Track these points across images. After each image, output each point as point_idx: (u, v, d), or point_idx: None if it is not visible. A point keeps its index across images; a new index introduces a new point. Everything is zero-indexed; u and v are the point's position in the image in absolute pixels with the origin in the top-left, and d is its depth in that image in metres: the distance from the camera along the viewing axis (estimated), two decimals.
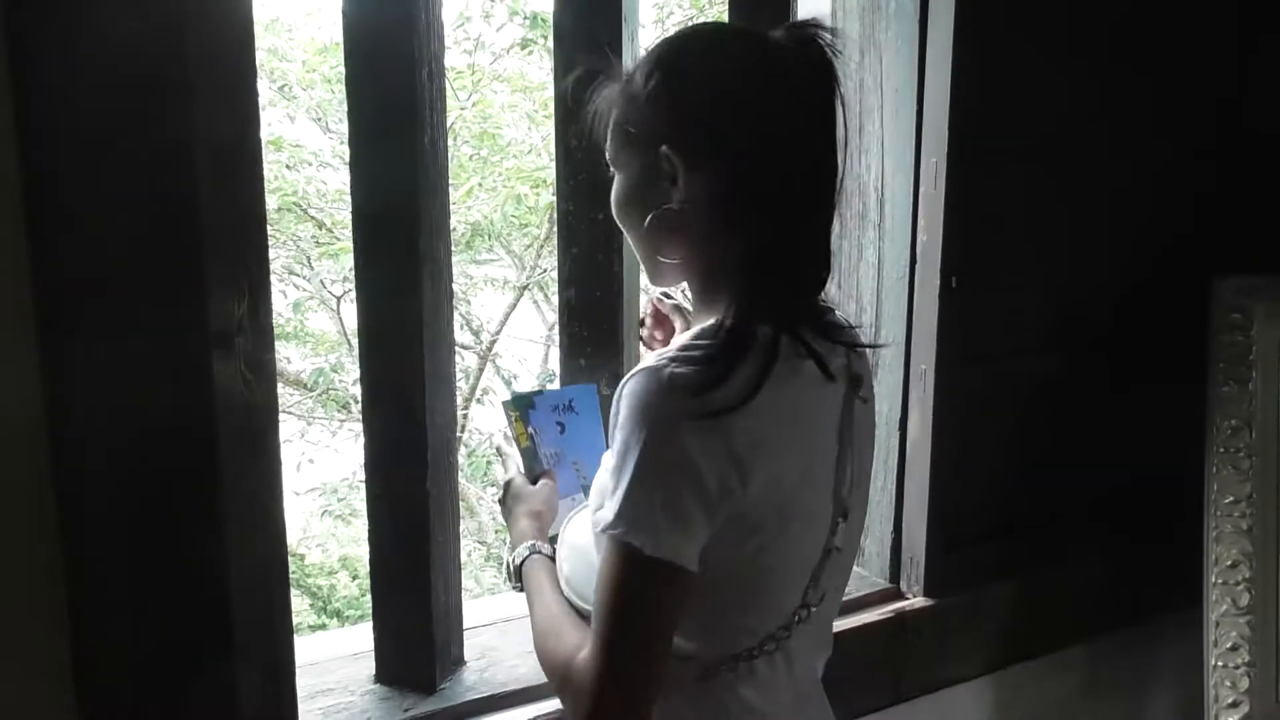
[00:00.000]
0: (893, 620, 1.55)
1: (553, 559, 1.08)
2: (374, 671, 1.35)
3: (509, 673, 1.36)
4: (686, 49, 0.95)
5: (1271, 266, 1.55)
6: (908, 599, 1.60)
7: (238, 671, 1.08)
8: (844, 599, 1.57)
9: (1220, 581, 1.46)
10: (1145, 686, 1.18)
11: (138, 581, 1.02)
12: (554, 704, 1.31)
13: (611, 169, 0.99)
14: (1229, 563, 1.46)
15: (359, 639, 1.41)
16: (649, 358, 0.88)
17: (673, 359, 0.86)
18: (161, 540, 1.02)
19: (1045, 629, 1.69)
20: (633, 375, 0.86)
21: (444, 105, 1.26)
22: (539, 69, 4.99)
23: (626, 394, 0.86)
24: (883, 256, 1.57)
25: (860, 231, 1.60)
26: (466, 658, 1.39)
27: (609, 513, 0.85)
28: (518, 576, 1.09)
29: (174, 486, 1.02)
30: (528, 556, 1.09)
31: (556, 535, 1.12)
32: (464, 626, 1.40)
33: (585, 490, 1.18)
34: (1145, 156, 1.68)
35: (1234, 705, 1.43)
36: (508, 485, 1.21)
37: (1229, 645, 1.44)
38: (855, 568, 1.67)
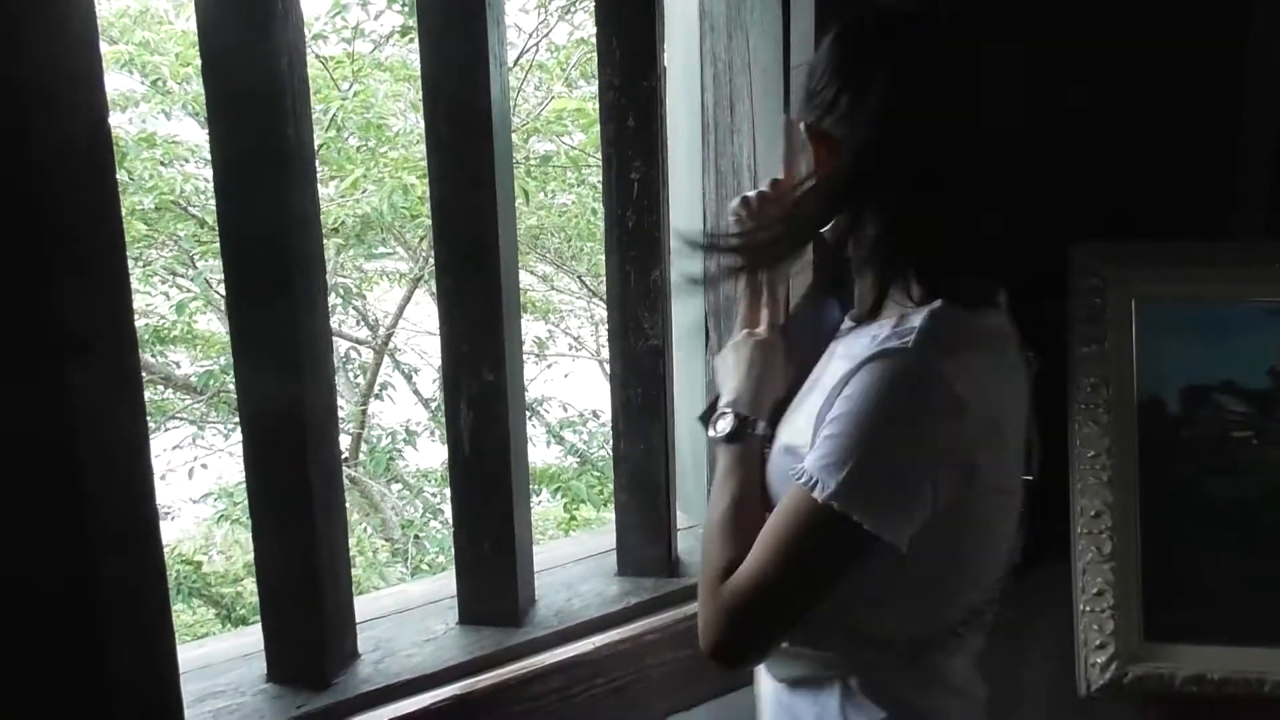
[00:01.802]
0: None
1: (765, 442, 1.03)
2: (265, 671, 1.33)
3: (404, 663, 1.36)
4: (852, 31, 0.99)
5: (1123, 232, 1.63)
6: None
7: (114, 685, 1.06)
8: None
9: (1085, 531, 1.54)
10: (1022, 635, 1.25)
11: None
12: (449, 691, 1.32)
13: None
14: (1093, 513, 1.53)
15: (250, 641, 1.39)
16: (907, 335, 0.89)
17: (923, 344, 0.88)
18: (26, 557, 0.99)
19: None
20: (886, 353, 0.88)
21: (308, 96, 1.25)
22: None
23: (882, 372, 0.87)
24: None
25: None
26: (360, 651, 1.38)
27: (830, 479, 0.86)
28: (729, 439, 1.02)
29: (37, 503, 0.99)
30: (739, 428, 1.02)
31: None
32: (357, 620, 1.39)
33: None
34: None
35: (1101, 647, 1.51)
36: (758, 337, 1.11)
37: (1095, 591, 1.52)
38: None
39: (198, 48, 1.19)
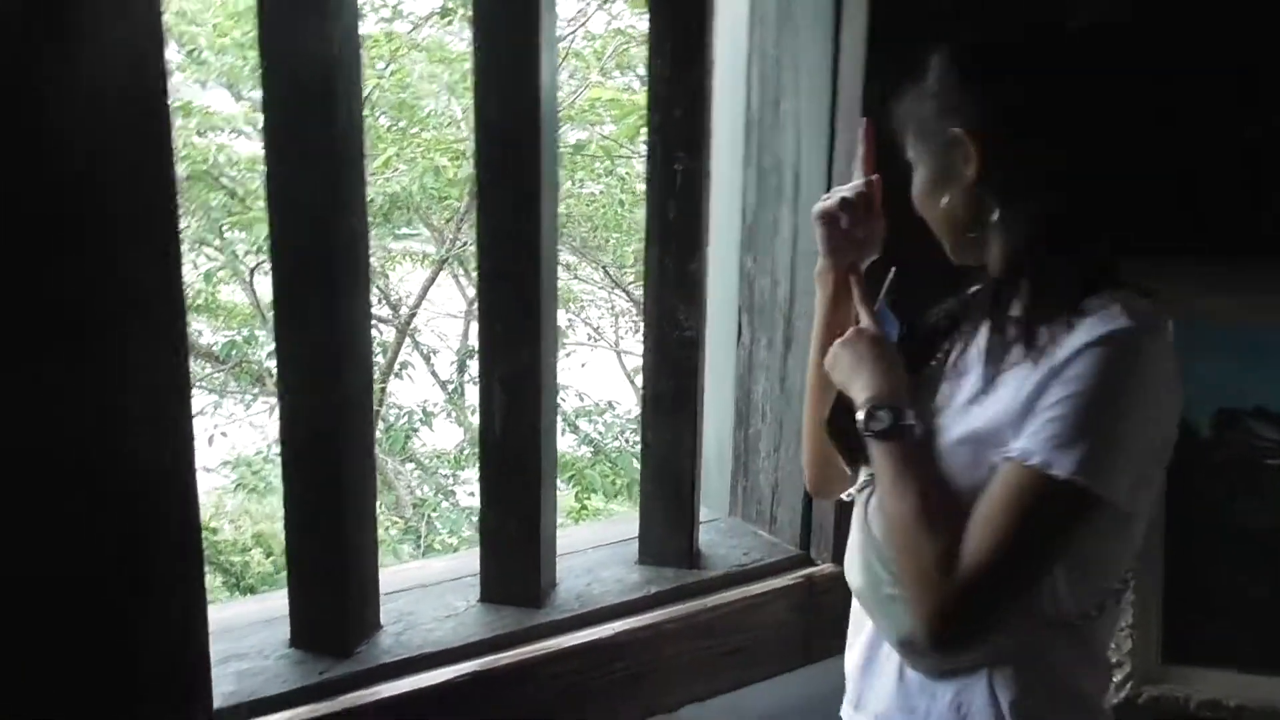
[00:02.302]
0: (802, 585, 1.60)
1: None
2: (288, 636, 1.35)
3: (425, 636, 1.38)
4: (981, 43, 1.06)
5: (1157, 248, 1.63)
6: (817, 565, 1.65)
7: (146, 638, 1.08)
8: (758, 564, 1.63)
9: None
10: None
11: (41, 548, 1.01)
12: (468, 666, 1.33)
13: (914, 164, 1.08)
14: None
15: (274, 606, 1.41)
16: (1118, 318, 0.93)
17: (1142, 327, 0.94)
18: (68, 508, 1.01)
19: None
20: (1110, 337, 0.93)
21: (361, 74, 1.26)
22: (459, 39, 4.93)
23: (1109, 354, 0.92)
24: (798, 230, 1.61)
25: (776, 206, 1.64)
26: (383, 622, 1.39)
27: (1066, 457, 0.91)
28: (888, 435, 1.03)
29: (84, 456, 1.01)
30: (895, 422, 1.03)
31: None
32: (381, 592, 1.40)
33: None
34: None
35: (1118, 665, 1.51)
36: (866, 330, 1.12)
37: None
38: (766, 534, 1.73)
39: (256, 27, 1.20)
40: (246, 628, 1.38)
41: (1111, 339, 0.93)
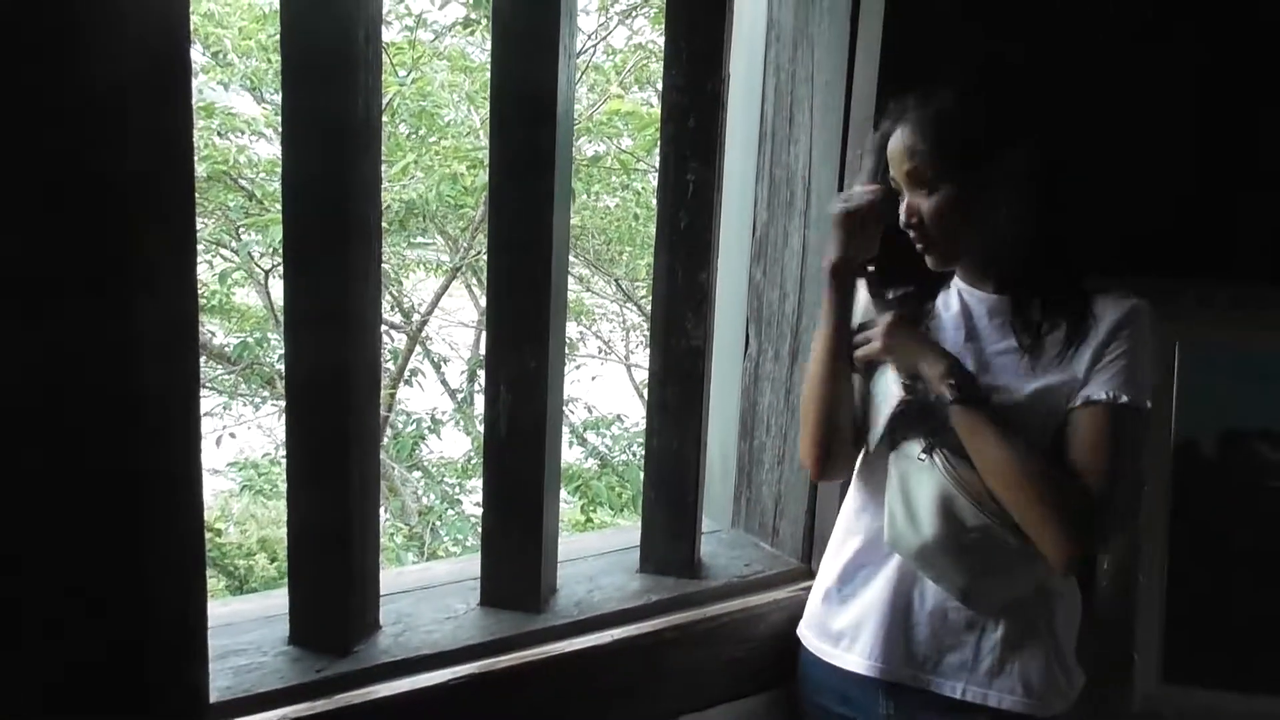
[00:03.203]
0: (803, 597, 1.59)
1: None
2: (287, 633, 1.35)
3: (424, 638, 1.38)
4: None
5: (1164, 268, 1.62)
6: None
7: (147, 631, 1.08)
8: (758, 576, 1.62)
9: (1109, 568, 1.54)
10: None
11: (46, 540, 1.01)
12: (466, 669, 1.33)
13: (926, 186, 1.25)
14: (1120, 550, 1.53)
15: (274, 604, 1.41)
16: (1130, 298, 1.26)
17: (1144, 300, 1.27)
18: (73, 498, 1.02)
19: None
20: (1135, 306, 1.25)
21: (380, 70, 1.27)
22: (481, 49, 4.96)
23: (1138, 314, 1.25)
24: (807, 244, 1.61)
25: (787, 219, 1.64)
26: (382, 623, 1.40)
27: (1131, 390, 1.22)
28: (966, 396, 1.24)
29: (89, 445, 1.02)
30: (971, 386, 1.26)
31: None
32: (381, 593, 1.40)
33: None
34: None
35: (1119, 683, 1.50)
36: (895, 318, 1.34)
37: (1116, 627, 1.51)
38: (768, 546, 1.72)
39: (278, 11, 1.21)
40: (246, 624, 1.38)
41: (1137, 310, 1.25)
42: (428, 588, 1.53)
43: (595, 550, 1.69)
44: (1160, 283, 1.60)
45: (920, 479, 1.27)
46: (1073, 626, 1.35)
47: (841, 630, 1.39)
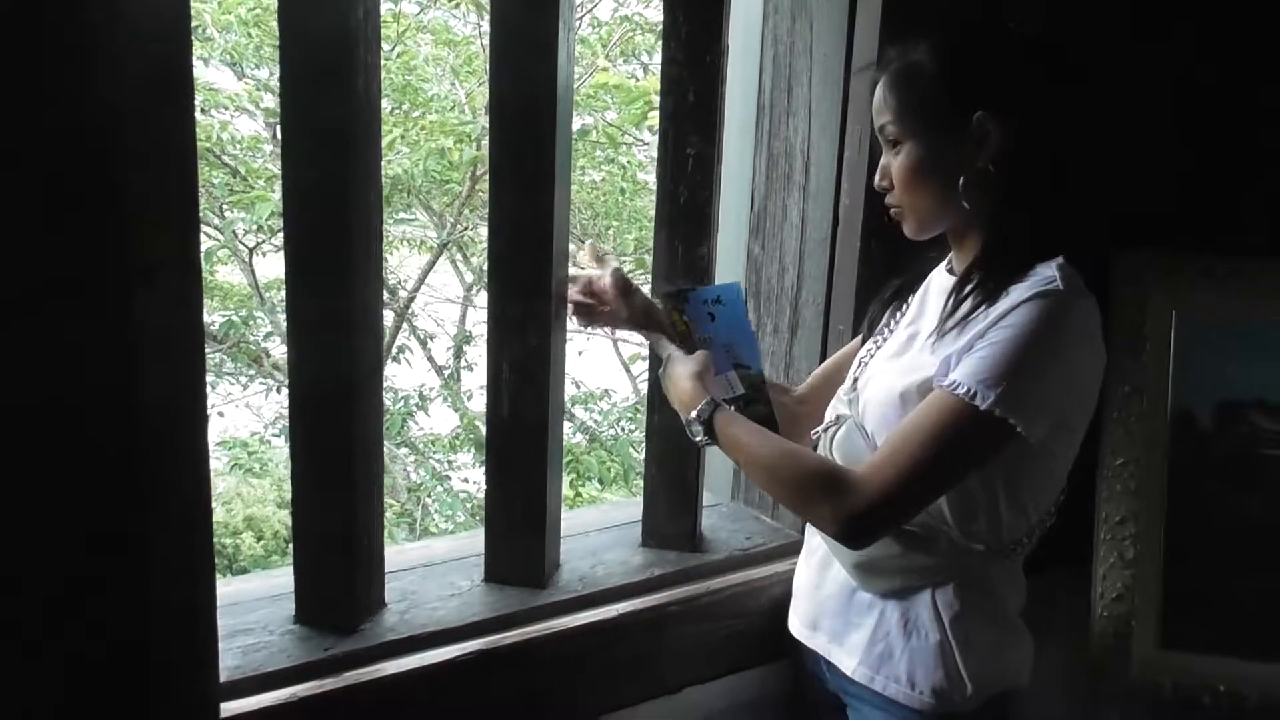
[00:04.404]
0: None
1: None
2: (293, 612, 1.35)
3: (429, 615, 1.38)
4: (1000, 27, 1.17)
5: (1164, 241, 1.63)
6: None
7: (155, 611, 1.08)
8: (759, 549, 1.63)
9: (1108, 537, 1.55)
10: (1038, 633, 1.27)
11: (49, 518, 1.01)
12: (472, 645, 1.33)
13: (896, 145, 1.18)
14: (1117, 518, 1.55)
15: (279, 583, 1.41)
16: (1053, 281, 1.08)
17: (1070, 288, 1.08)
18: (78, 479, 1.01)
19: None
20: (1043, 294, 1.07)
21: (379, 47, 1.25)
22: (464, 22, 4.91)
23: (1042, 307, 1.06)
24: (806, 218, 1.61)
25: (786, 193, 1.64)
26: (387, 600, 1.40)
27: (990, 390, 1.05)
28: (708, 430, 1.25)
29: (94, 428, 1.01)
30: (716, 409, 1.25)
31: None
32: (385, 570, 1.41)
33: (736, 367, 1.38)
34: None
35: (1117, 651, 1.53)
36: (668, 359, 1.36)
37: (1114, 595, 1.53)
38: (768, 519, 1.73)
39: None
40: (252, 603, 1.38)
41: (1045, 295, 1.07)
42: (430, 565, 1.53)
43: (597, 525, 1.69)
44: (1158, 257, 1.61)
45: None
46: (990, 628, 1.24)
47: (794, 596, 1.43)
